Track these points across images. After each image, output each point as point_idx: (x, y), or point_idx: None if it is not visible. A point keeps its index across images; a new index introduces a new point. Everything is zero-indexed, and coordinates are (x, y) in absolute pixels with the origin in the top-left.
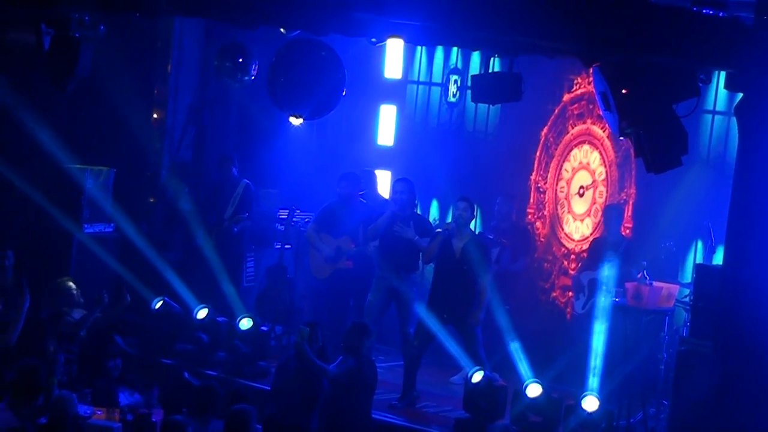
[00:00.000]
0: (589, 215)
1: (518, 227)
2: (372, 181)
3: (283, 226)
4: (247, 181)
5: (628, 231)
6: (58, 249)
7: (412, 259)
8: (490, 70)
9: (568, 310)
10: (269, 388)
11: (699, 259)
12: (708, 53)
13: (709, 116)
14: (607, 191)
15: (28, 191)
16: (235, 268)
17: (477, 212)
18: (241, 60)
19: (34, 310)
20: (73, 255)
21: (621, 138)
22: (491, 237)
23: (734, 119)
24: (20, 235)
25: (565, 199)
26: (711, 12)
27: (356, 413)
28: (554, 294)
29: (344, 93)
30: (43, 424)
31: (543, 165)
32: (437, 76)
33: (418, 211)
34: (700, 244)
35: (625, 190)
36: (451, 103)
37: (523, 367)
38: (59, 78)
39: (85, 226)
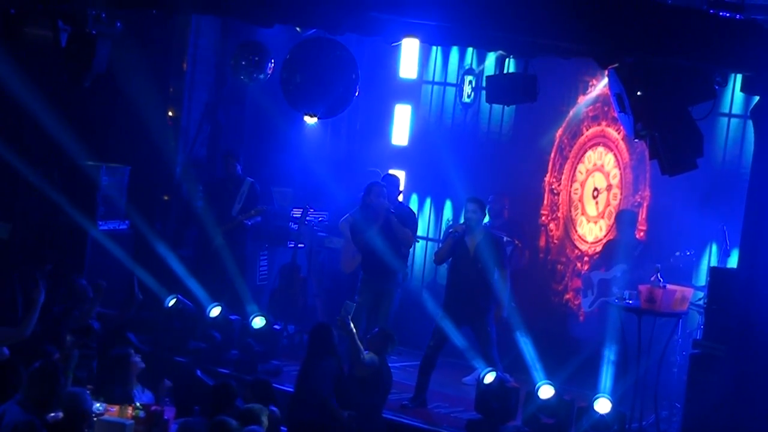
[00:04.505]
0: (603, 217)
1: (513, 223)
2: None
3: (296, 225)
4: (252, 180)
5: (642, 234)
6: (73, 245)
7: (395, 260)
8: (505, 71)
9: (581, 312)
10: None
11: (713, 262)
12: (724, 56)
13: (725, 119)
14: (621, 193)
15: (43, 188)
16: (246, 264)
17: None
18: (257, 58)
19: (47, 306)
20: (88, 252)
21: (636, 140)
22: (506, 237)
23: (750, 122)
24: (35, 231)
25: (579, 201)
26: (728, 14)
27: (369, 411)
28: (567, 296)
29: (358, 92)
30: (54, 421)
31: (557, 167)
32: (452, 76)
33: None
34: (714, 247)
35: (640, 192)
36: (466, 103)
37: (536, 368)
38: (76, 75)
39: (100, 223)
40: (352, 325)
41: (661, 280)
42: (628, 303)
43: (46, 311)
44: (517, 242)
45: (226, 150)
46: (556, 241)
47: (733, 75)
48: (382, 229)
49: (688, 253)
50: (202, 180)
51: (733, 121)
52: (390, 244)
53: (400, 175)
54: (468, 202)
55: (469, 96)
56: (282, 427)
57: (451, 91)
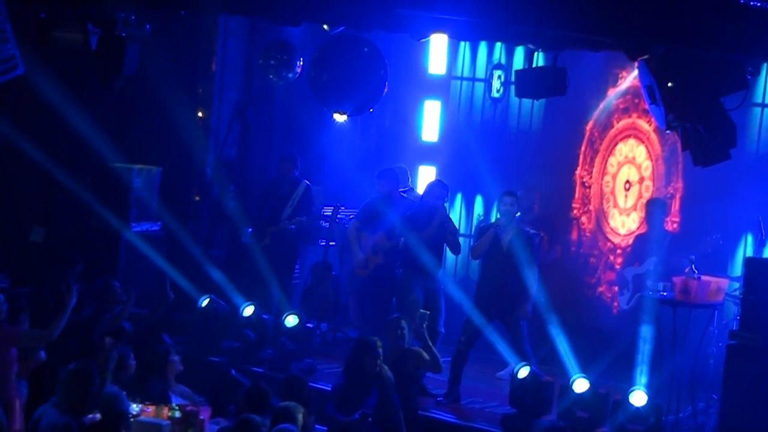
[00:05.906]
0: (635, 209)
1: (543, 218)
2: (405, 177)
3: (327, 223)
4: (308, 183)
5: (675, 225)
6: (107, 247)
7: (438, 256)
8: (534, 65)
9: (615, 304)
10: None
11: (749, 253)
12: (756, 45)
13: (758, 109)
14: (653, 185)
15: (76, 190)
16: (287, 266)
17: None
18: (285, 57)
19: (78, 308)
20: (121, 253)
21: (667, 131)
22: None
23: None
24: (69, 234)
25: (611, 193)
26: (759, 4)
27: (406, 407)
28: (600, 289)
29: (386, 89)
30: (92, 422)
31: (588, 160)
32: (481, 71)
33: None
34: (750, 238)
35: (672, 184)
36: (495, 98)
37: (570, 362)
38: (106, 77)
39: (133, 224)
40: (426, 335)
41: (696, 271)
42: (663, 295)
43: (77, 313)
44: (542, 234)
45: (284, 154)
46: (588, 234)
47: (765, 65)
48: (436, 229)
49: (716, 237)
50: (242, 180)
51: (767, 111)
52: (439, 244)
53: (431, 171)
54: (504, 196)
55: (498, 91)
56: (318, 426)
57: (480, 86)
